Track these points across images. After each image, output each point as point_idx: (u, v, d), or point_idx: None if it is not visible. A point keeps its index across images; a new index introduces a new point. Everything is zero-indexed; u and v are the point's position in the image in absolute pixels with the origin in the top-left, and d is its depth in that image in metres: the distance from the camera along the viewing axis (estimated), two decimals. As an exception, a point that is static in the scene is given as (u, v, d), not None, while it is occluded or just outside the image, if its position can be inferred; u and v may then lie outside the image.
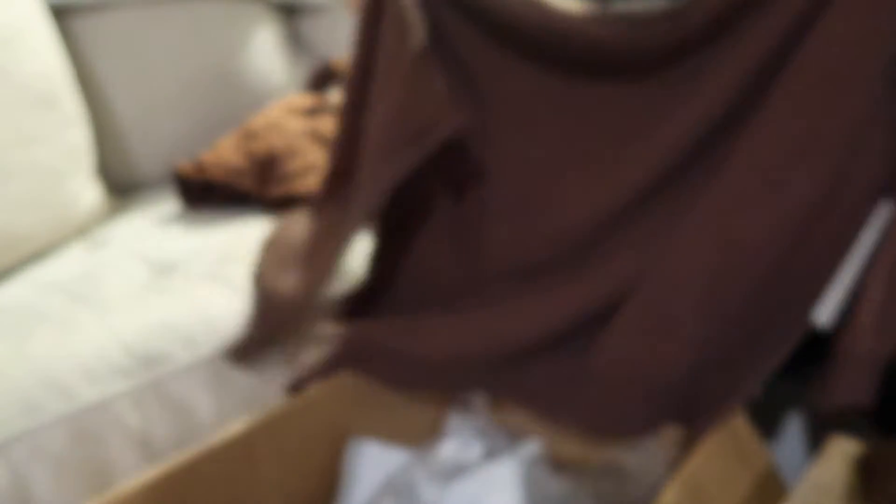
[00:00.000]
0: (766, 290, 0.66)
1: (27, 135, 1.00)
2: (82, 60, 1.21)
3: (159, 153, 1.27)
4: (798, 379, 0.68)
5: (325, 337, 0.82)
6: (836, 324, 0.64)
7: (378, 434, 0.80)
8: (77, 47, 1.21)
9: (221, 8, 1.38)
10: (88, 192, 1.10)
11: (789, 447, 0.78)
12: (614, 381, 0.71)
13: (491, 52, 0.79)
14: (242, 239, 0.99)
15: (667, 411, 0.68)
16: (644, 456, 0.69)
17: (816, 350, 0.65)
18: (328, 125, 1.19)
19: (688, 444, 0.65)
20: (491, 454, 0.75)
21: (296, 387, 0.80)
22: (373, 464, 0.78)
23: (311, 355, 0.82)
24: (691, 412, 0.68)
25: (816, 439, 0.76)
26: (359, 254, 0.89)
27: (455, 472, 0.74)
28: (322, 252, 0.85)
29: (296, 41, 1.58)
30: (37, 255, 1.00)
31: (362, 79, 0.85)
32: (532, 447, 0.74)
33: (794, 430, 0.79)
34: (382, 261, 0.88)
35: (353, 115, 0.87)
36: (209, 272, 0.90)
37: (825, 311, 0.64)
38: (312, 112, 1.24)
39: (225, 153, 1.14)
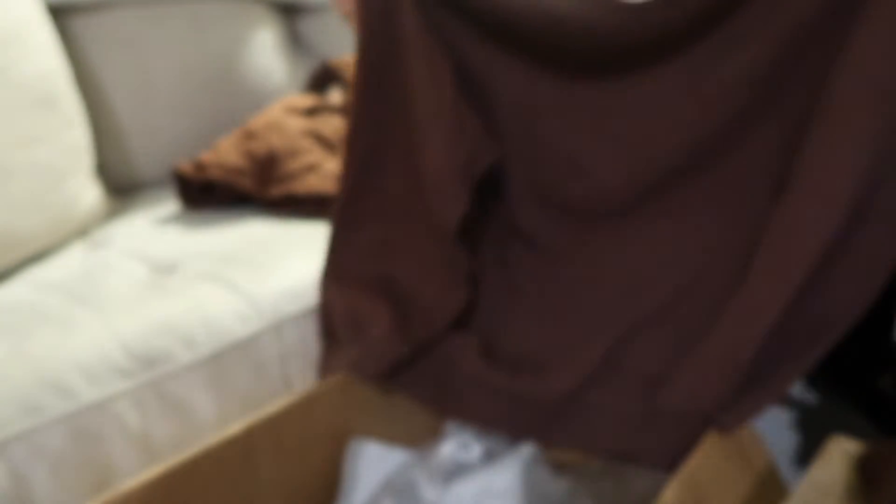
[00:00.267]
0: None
1: (27, 135, 1.00)
2: (82, 60, 1.21)
3: (159, 153, 1.27)
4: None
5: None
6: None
7: (378, 434, 0.80)
8: (77, 47, 1.21)
9: (221, 8, 1.38)
10: (88, 192, 1.10)
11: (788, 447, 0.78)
12: (683, 416, 0.68)
13: (490, 48, 0.79)
14: (242, 239, 1.00)
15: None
16: (644, 456, 0.69)
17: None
18: (328, 125, 1.19)
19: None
20: (491, 454, 0.75)
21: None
22: (373, 464, 0.78)
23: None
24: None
25: (814, 441, 0.76)
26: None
27: (455, 472, 0.74)
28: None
29: (296, 41, 1.58)
30: (37, 255, 1.00)
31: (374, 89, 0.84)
32: (532, 447, 0.74)
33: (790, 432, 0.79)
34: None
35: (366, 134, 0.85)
36: (209, 272, 0.90)
37: None
38: (312, 112, 1.24)
39: (225, 153, 1.14)
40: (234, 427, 0.71)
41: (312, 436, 0.77)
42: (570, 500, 0.70)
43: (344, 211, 0.86)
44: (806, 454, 0.78)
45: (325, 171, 1.10)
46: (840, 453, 0.60)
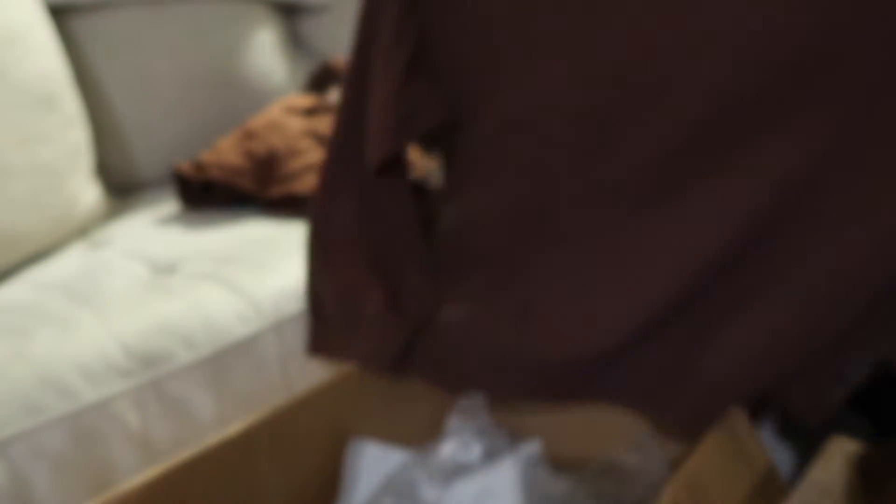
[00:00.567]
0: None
1: (27, 135, 1.00)
2: (82, 60, 1.21)
3: (159, 153, 1.27)
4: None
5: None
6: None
7: (378, 434, 0.80)
8: (77, 47, 1.21)
9: (221, 8, 1.38)
10: (88, 192, 1.10)
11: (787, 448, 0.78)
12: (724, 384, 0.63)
13: None
14: (242, 239, 1.00)
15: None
16: (644, 456, 0.69)
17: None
18: (328, 125, 1.19)
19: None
20: (491, 454, 0.75)
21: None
22: (373, 464, 0.78)
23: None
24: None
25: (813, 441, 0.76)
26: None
27: (455, 472, 0.74)
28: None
29: (296, 41, 1.58)
30: (37, 255, 1.00)
31: (360, 75, 0.84)
32: (532, 447, 0.74)
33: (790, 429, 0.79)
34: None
35: (350, 111, 0.86)
36: (209, 272, 0.90)
37: None
38: (312, 112, 1.24)
39: (225, 153, 1.14)
40: (234, 427, 0.71)
41: (312, 436, 0.77)
42: (570, 499, 0.70)
43: (325, 177, 0.84)
44: (806, 454, 0.78)
45: (325, 171, 1.10)
46: (840, 453, 0.60)
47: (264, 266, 0.91)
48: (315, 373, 0.87)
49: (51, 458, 0.69)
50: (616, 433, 0.73)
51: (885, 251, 0.57)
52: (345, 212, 0.83)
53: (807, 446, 0.78)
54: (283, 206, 1.08)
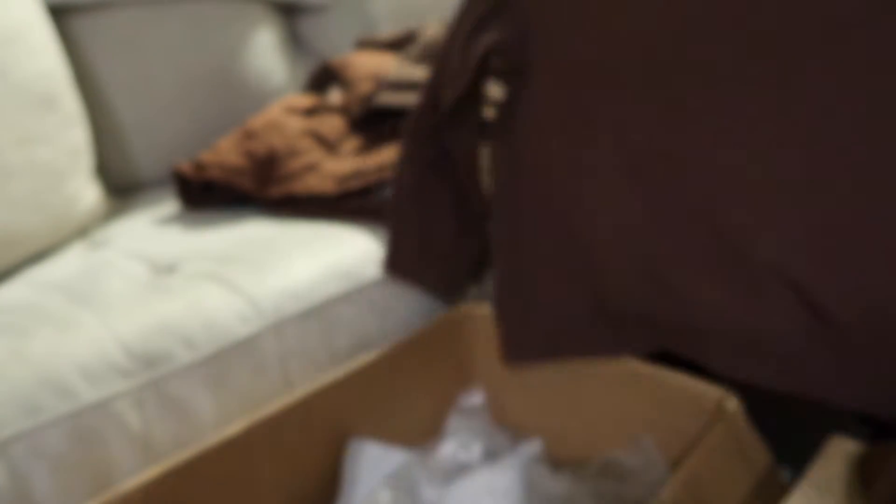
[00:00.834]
0: None
1: (27, 135, 1.00)
2: (82, 60, 1.21)
3: (159, 153, 1.27)
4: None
5: None
6: None
7: (378, 434, 0.80)
8: (77, 47, 1.21)
9: (221, 8, 1.38)
10: (88, 192, 1.10)
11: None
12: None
13: None
14: (242, 239, 0.99)
15: None
16: (644, 456, 0.69)
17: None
18: (328, 125, 1.19)
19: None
20: (491, 454, 0.75)
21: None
22: (373, 464, 0.78)
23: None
24: None
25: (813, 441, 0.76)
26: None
27: (455, 472, 0.74)
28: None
29: (296, 41, 1.58)
30: (37, 255, 1.00)
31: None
32: (532, 447, 0.74)
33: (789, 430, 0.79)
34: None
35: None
36: (209, 272, 0.90)
37: None
38: (312, 112, 1.24)
39: (225, 153, 1.14)
40: (234, 427, 0.71)
41: (312, 436, 0.77)
42: (570, 500, 0.70)
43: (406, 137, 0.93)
44: (806, 454, 0.78)
45: (324, 171, 1.09)
46: (840, 453, 0.60)
47: (264, 266, 0.91)
48: (315, 373, 0.87)
49: (50, 458, 0.69)
50: (616, 433, 0.73)
51: None
52: (420, 163, 0.93)
53: (807, 446, 0.78)
54: (283, 206, 1.08)
